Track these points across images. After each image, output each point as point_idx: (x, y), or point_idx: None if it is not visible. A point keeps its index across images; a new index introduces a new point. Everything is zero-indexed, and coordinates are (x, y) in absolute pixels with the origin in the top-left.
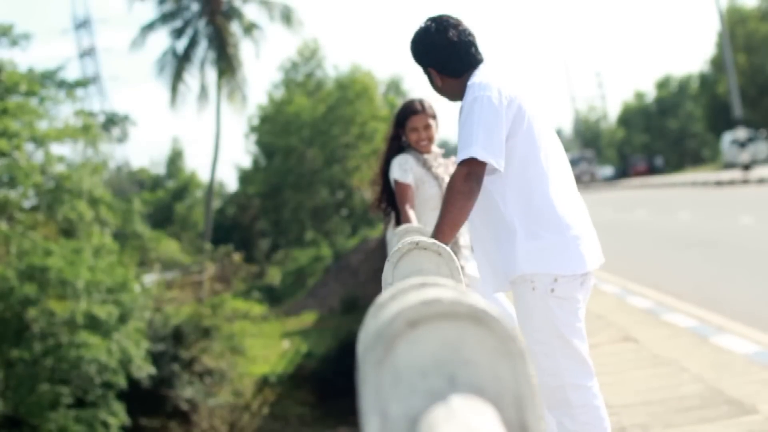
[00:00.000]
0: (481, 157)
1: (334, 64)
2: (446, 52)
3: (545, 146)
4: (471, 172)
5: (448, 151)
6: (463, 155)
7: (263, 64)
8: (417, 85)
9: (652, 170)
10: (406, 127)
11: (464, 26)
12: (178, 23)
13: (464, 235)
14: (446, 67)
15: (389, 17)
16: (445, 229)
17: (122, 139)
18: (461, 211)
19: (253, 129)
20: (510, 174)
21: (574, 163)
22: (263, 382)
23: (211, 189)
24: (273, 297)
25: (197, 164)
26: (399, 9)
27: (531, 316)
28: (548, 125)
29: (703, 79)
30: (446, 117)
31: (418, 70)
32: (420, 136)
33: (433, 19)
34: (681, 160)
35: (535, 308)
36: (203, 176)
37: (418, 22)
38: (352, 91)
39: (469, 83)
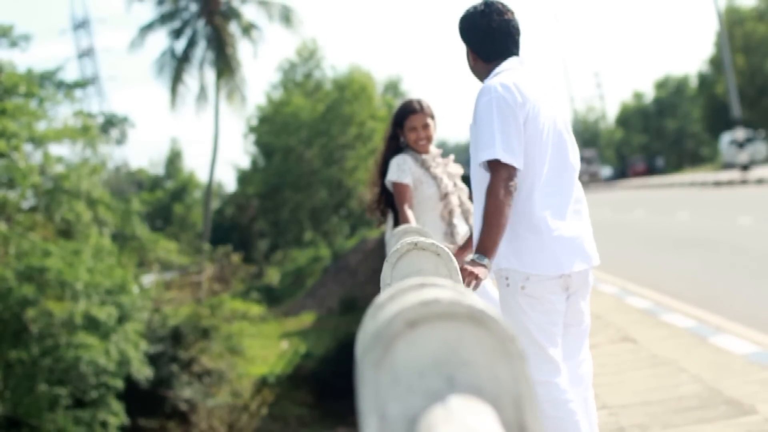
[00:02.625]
0: (504, 159)
1: (332, 65)
2: (483, 35)
3: (545, 149)
4: (508, 178)
5: (446, 150)
6: (485, 156)
7: (263, 64)
8: (415, 85)
9: (650, 171)
10: (405, 126)
11: (510, 17)
12: (176, 24)
13: (461, 235)
14: (480, 49)
15: (388, 18)
16: (497, 239)
17: (121, 140)
18: (507, 219)
19: (251, 129)
20: None
21: None
22: (262, 383)
23: (209, 189)
24: (272, 297)
25: (196, 165)
26: (398, 10)
27: (503, 310)
28: (560, 127)
29: (702, 80)
30: (444, 117)
31: (413, 68)
32: (419, 136)
33: (485, 2)
34: (680, 160)
35: (506, 303)
36: (202, 176)
37: (418, 22)
38: (349, 91)
39: (485, 84)
